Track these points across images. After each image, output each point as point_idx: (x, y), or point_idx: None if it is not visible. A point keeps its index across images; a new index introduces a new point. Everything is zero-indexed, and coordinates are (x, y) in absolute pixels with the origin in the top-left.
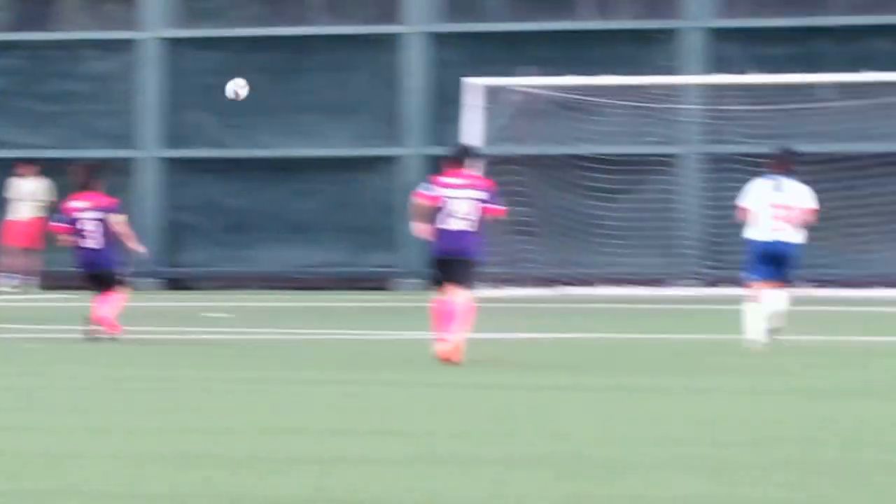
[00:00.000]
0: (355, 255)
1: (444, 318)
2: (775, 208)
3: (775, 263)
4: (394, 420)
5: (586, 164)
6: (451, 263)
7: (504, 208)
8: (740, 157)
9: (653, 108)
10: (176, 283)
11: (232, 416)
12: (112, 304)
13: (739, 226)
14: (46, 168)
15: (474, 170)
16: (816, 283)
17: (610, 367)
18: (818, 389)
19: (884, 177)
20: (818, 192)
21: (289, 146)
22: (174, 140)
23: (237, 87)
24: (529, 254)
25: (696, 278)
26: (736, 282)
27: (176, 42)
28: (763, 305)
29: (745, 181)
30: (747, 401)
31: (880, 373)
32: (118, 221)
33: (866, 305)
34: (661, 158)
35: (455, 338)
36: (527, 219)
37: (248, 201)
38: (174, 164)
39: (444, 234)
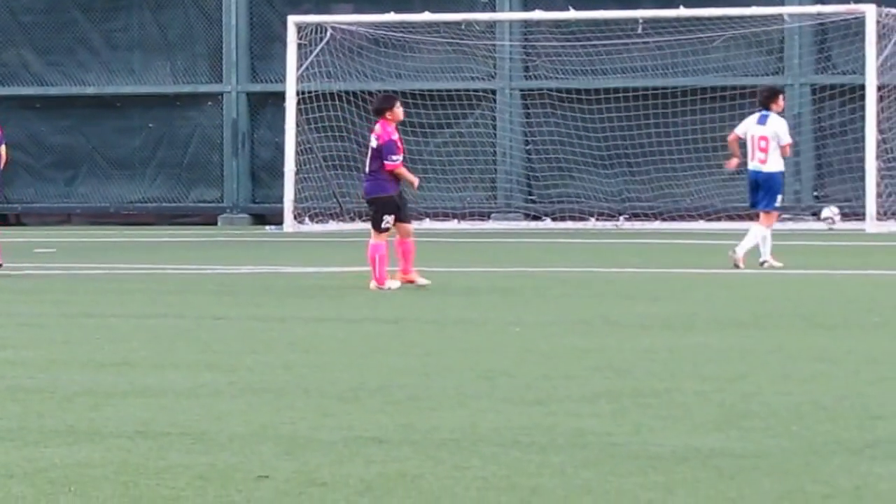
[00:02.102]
0: (181, 190)
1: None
2: (759, 140)
3: (759, 191)
4: (219, 353)
5: (405, 100)
6: (368, 205)
7: (392, 164)
8: (555, 92)
9: (469, 45)
10: (2, 219)
11: (59, 350)
12: None
13: (555, 160)
14: None
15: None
16: (632, 216)
17: (434, 300)
18: (637, 321)
19: (696, 111)
20: (633, 127)
21: (112, 84)
22: None
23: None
24: (350, 189)
25: (516, 211)
26: (554, 214)
27: None
28: (760, 229)
29: (560, 115)
30: (566, 333)
31: (698, 304)
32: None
33: (681, 238)
34: (479, 93)
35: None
36: (347, 154)
37: (73, 138)
38: None
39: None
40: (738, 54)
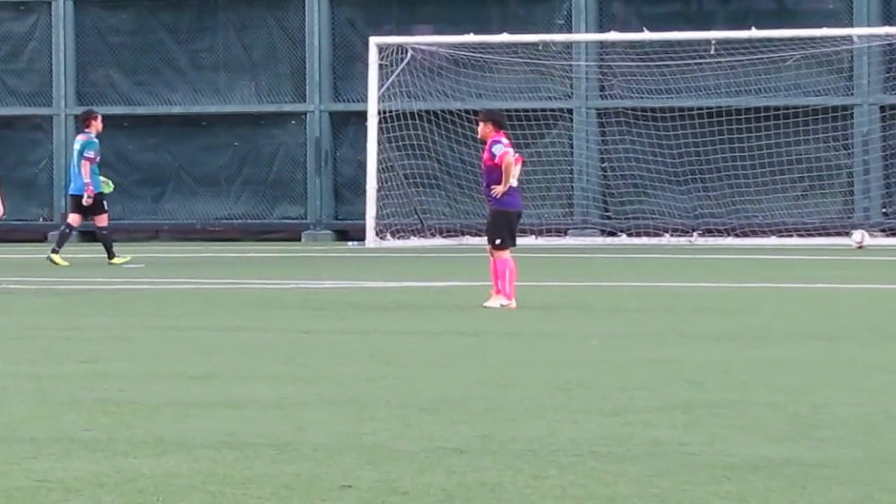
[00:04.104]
0: (265, 207)
1: (514, 276)
2: None
3: None
4: (303, 366)
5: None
6: (519, 219)
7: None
8: (630, 111)
9: (546, 65)
10: (89, 236)
11: (147, 362)
12: None
13: (630, 177)
14: None
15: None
16: (706, 232)
17: (512, 314)
18: (710, 334)
19: (769, 130)
20: (706, 144)
21: (198, 103)
22: (85, 98)
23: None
24: (430, 205)
25: (593, 227)
26: (629, 230)
27: (85, 2)
28: None
29: (635, 134)
30: (641, 346)
31: (770, 317)
32: None
33: (753, 253)
34: (556, 113)
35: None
36: (428, 172)
37: (160, 156)
38: None
39: (515, 191)
40: (809, 74)
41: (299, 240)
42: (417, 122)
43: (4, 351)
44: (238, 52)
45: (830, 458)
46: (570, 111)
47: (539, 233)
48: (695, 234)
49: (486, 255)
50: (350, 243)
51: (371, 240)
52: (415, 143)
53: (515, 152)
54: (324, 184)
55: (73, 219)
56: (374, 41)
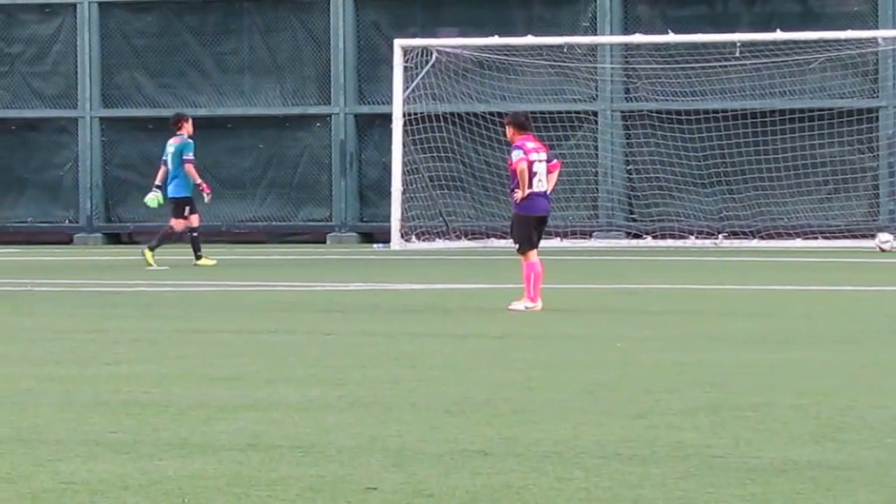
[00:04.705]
0: (290, 209)
1: (539, 278)
2: None
3: None
4: (328, 368)
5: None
6: (541, 223)
7: (559, 162)
8: (655, 113)
9: (571, 67)
10: (114, 238)
11: (172, 365)
12: None
13: (655, 179)
14: None
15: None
16: (731, 235)
17: (537, 316)
18: (735, 336)
19: (793, 132)
20: (731, 147)
21: (223, 105)
22: (110, 100)
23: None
24: (455, 208)
25: (618, 230)
26: (654, 232)
27: (110, 5)
28: None
29: (660, 136)
30: (666, 348)
31: (795, 320)
32: None
33: (778, 255)
34: (581, 115)
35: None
36: (453, 174)
37: None
38: (111, 123)
39: (538, 196)
40: (834, 76)
41: (324, 242)
42: (442, 124)
43: (30, 353)
44: (263, 54)
45: (856, 460)
46: (594, 113)
47: (564, 235)
48: (720, 236)
49: (512, 258)
50: (375, 245)
51: (396, 242)
52: (439, 145)
53: (552, 158)
54: (349, 186)
55: (192, 219)
56: (398, 43)
